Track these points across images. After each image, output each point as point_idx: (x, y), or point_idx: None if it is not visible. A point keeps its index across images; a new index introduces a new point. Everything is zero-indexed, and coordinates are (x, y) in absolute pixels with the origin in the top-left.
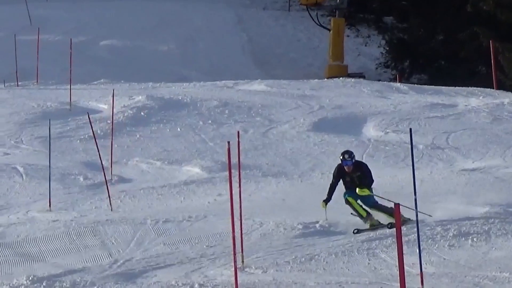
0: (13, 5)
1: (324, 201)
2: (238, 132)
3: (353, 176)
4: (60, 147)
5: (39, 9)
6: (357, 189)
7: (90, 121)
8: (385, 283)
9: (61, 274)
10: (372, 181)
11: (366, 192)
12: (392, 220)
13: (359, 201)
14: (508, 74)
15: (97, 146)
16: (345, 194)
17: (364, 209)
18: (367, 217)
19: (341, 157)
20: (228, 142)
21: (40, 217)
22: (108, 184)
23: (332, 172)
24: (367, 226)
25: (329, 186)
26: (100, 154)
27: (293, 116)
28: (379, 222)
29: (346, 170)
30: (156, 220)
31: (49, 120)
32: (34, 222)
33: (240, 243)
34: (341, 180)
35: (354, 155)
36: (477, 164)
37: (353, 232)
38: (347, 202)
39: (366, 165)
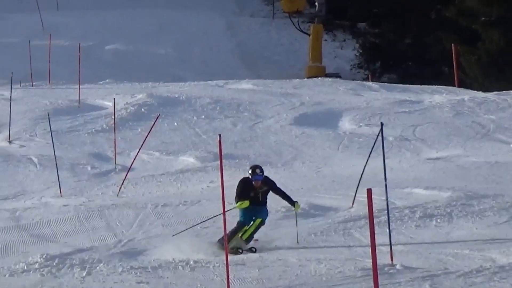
0: (28, 13)
1: (242, 202)
2: (220, 136)
3: (258, 191)
4: (70, 140)
5: (51, 17)
6: (296, 206)
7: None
8: (359, 259)
9: (72, 252)
10: (281, 189)
11: (299, 206)
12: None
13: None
14: (468, 73)
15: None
16: (244, 212)
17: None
18: (239, 240)
19: (250, 172)
20: (220, 135)
21: (52, 202)
22: (114, 173)
23: (236, 187)
24: (232, 244)
25: (238, 200)
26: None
27: (277, 112)
28: (239, 249)
29: (254, 185)
30: (156, 205)
31: (47, 116)
32: (47, 206)
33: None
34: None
35: (263, 170)
36: (441, 153)
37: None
38: (238, 227)
39: (270, 179)
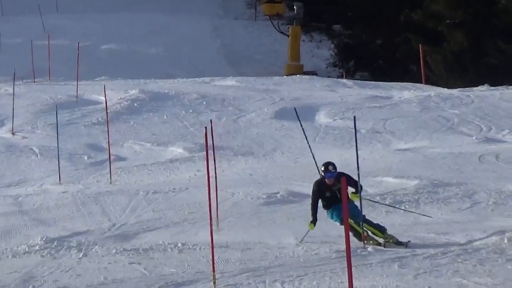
0: (30, 16)
1: (311, 222)
2: (211, 121)
3: (334, 189)
4: (68, 132)
5: (51, 19)
6: (351, 194)
7: None
8: (334, 242)
9: (69, 235)
10: (355, 180)
11: (356, 197)
12: (382, 240)
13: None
14: (434, 71)
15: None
16: (332, 214)
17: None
18: (364, 236)
19: (322, 169)
20: (206, 128)
21: (52, 189)
22: (108, 162)
23: (312, 190)
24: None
25: (311, 207)
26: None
27: (259, 106)
28: (377, 242)
29: (328, 183)
30: (147, 192)
31: (48, 110)
32: (47, 193)
33: (216, 210)
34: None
35: (336, 166)
36: (409, 145)
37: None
38: (354, 228)
39: (344, 173)
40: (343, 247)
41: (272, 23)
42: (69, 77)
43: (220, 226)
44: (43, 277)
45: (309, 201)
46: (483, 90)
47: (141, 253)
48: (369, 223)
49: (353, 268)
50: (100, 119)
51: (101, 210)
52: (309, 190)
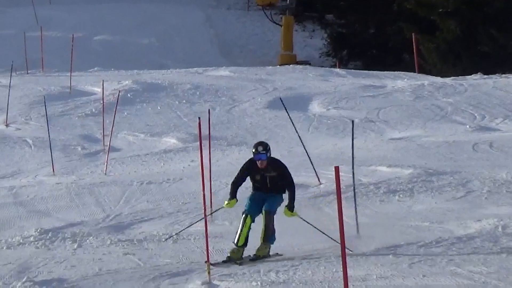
0: (22, 7)
1: (229, 200)
2: (209, 110)
3: (266, 175)
4: (62, 123)
5: (44, 10)
6: (285, 210)
7: None
8: (327, 231)
9: (64, 226)
10: (291, 184)
11: (295, 215)
12: (259, 253)
13: (253, 224)
14: (427, 60)
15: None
16: (249, 205)
17: (245, 237)
18: (238, 248)
19: (253, 150)
20: (199, 118)
21: (46, 180)
22: (102, 153)
23: (242, 165)
24: (228, 254)
25: (231, 185)
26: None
27: (252, 96)
28: (240, 259)
29: (259, 165)
30: (141, 182)
31: (41, 101)
32: (41, 184)
33: (210, 200)
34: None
35: (269, 148)
36: (403, 134)
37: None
38: (244, 218)
39: (285, 166)
40: (338, 236)
41: (265, 13)
42: (62, 69)
43: (214, 216)
44: (37, 268)
45: (302, 190)
46: (476, 79)
47: (135, 243)
48: (267, 219)
49: (347, 258)
50: (93, 110)
51: (95, 201)
52: (304, 180)
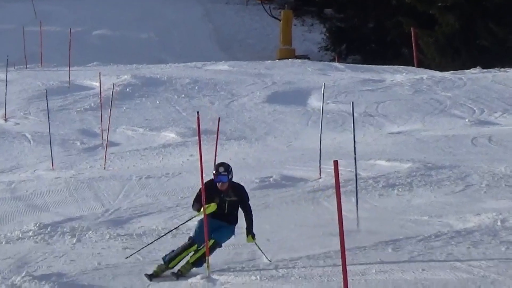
0: (21, 2)
1: (208, 206)
2: (219, 119)
3: (226, 199)
4: (60, 117)
5: (42, 5)
6: (249, 238)
7: None
8: (326, 225)
9: (63, 221)
10: (250, 209)
11: (254, 241)
12: (183, 269)
13: (199, 247)
14: (426, 54)
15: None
16: (198, 232)
17: (178, 262)
18: (166, 267)
19: (214, 171)
20: (198, 112)
21: (45, 175)
22: (101, 147)
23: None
24: (154, 268)
25: (192, 205)
26: (94, 123)
27: (251, 91)
28: (178, 272)
29: (219, 187)
30: (140, 176)
31: (40, 96)
32: (40, 179)
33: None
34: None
35: (231, 170)
36: (402, 128)
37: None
38: (188, 244)
39: (244, 190)
40: (337, 230)
41: (264, 7)
42: (61, 63)
43: None
44: (37, 263)
45: (302, 184)
46: (475, 73)
47: (134, 238)
48: (202, 251)
49: (346, 252)
50: (92, 104)
51: (94, 196)
52: (302, 173)
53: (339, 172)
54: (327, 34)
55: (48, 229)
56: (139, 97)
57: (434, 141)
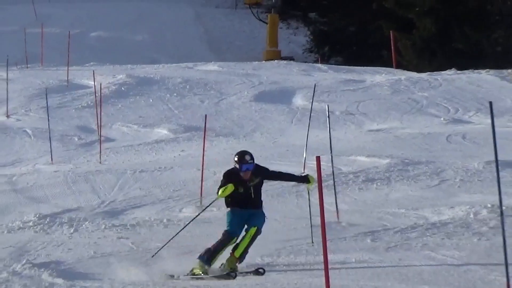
0: (23, 4)
1: (224, 188)
2: (206, 116)
3: (250, 185)
4: (59, 114)
5: (43, 8)
6: (310, 179)
7: None
8: (309, 217)
9: (61, 212)
10: (278, 171)
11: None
12: (231, 266)
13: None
14: (404, 56)
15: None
16: (232, 218)
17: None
18: (207, 265)
19: (236, 159)
20: (206, 116)
21: (44, 169)
22: (97, 143)
23: (221, 182)
24: (197, 270)
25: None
26: (91, 119)
27: (239, 90)
28: (231, 273)
29: (243, 176)
30: (134, 170)
31: (40, 94)
32: (40, 172)
33: (200, 188)
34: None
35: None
36: (381, 126)
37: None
38: (225, 238)
39: (260, 165)
40: (318, 222)
41: (252, 11)
42: (60, 63)
43: (203, 202)
44: (36, 251)
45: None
46: (450, 74)
47: (128, 228)
48: (253, 238)
49: (328, 242)
50: (89, 102)
51: (91, 188)
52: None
53: (321, 167)
54: (311, 37)
55: (47, 220)
56: (133, 95)
57: (411, 138)
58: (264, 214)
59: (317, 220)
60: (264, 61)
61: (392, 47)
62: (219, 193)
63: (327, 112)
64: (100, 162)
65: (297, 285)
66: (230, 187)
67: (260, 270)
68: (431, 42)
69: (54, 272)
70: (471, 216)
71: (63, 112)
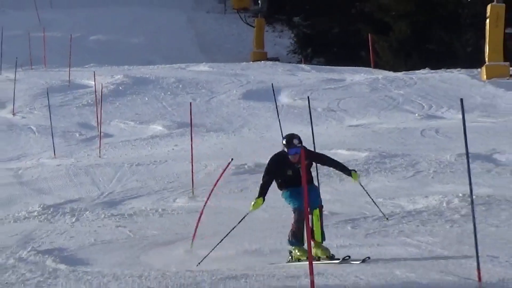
0: (27, 10)
1: (257, 199)
2: (191, 108)
3: (297, 167)
4: (62, 112)
5: (46, 14)
6: (354, 175)
7: None
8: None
9: (63, 203)
10: (328, 156)
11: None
12: (327, 253)
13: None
14: (381, 57)
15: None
16: (290, 196)
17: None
18: (302, 245)
19: (284, 142)
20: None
21: (48, 163)
22: (97, 138)
23: (267, 165)
24: (296, 255)
25: (261, 185)
26: (91, 117)
27: (228, 89)
28: (329, 255)
29: (292, 159)
30: (131, 164)
31: (44, 93)
32: (44, 166)
33: (192, 180)
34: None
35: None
36: (360, 121)
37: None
38: (299, 213)
39: (308, 149)
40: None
41: (240, 16)
42: (62, 65)
43: (195, 193)
44: (41, 239)
45: None
46: (424, 73)
47: (126, 217)
48: (320, 216)
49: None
50: (89, 101)
51: (91, 181)
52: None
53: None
54: (295, 39)
55: (51, 210)
56: (130, 94)
57: (388, 133)
58: (316, 187)
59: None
60: (251, 62)
61: (370, 49)
62: (250, 208)
63: (308, 108)
64: (99, 156)
65: (284, 268)
66: (259, 202)
67: (346, 257)
68: (406, 43)
69: (57, 258)
70: (444, 204)
71: (65, 110)
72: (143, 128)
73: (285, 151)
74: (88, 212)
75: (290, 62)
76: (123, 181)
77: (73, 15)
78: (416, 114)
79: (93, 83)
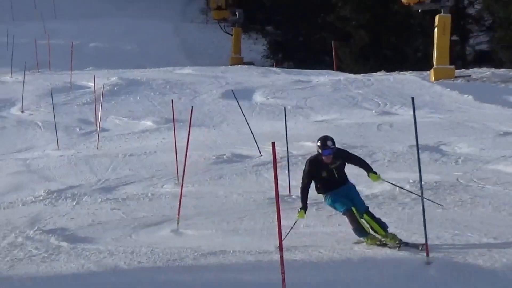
0: (33, 21)
1: (301, 209)
2: (172, 101)
3: (332, 168)
4: (64, 110)
5: (50, 24)
6: (372, 176)
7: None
8: (266, 192)
9: (66, 188)
10: (358, 157)
11: (380, 177)
12: (397, 240)
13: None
14: (343, 61)
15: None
16: (333, 200)
17: (367, 226)
18: (370, 233)
19: (319, 144)
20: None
21: (52, 154)
22: (95, 132)
23: (303, 169)
24: (366, 241)
25: (300, 192)
26: (90, 114)
27: (210, 89)
28: (378, 240)
29: (325, 161)
30: (124, 154)
31: (50, 93)
32: (48, 156)
33: (176, 169)
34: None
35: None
36: (324, 117)
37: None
38: (350, 214)
39: (341, 148)
40: (273, 195)
41: (220, 26)
42: (64, 68)
43: (179, 180)
44: (45, 220)
45: (248, 160)
46: (380, 75)
47: (120, 201)
48: (372, 216)
49: (281, 211)
50: (88, 100)
51: (90, 169)
52: (248, 152)
53: (276, 151)
54: (268, 46)
55: (54, 195)
56: (124, 94)
57: (348, 127)
58: (353, 185)
59: (272, 194)
60: (230, 66)
61: (333, 54)
62: (297, 215)
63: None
64: (97, 148)
65: (258, 245)
66: (302, 214)
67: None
68: (365, 49)
69: (60, 237)
70: (397, 190)
71: (67, 108)
72: (135, 124)
73: (319, 152)
74: (87, 196)
75: (263, 66)
76: (117, 170)
77: (75, 25)
78: (373, 111)
79: (92, 84)
